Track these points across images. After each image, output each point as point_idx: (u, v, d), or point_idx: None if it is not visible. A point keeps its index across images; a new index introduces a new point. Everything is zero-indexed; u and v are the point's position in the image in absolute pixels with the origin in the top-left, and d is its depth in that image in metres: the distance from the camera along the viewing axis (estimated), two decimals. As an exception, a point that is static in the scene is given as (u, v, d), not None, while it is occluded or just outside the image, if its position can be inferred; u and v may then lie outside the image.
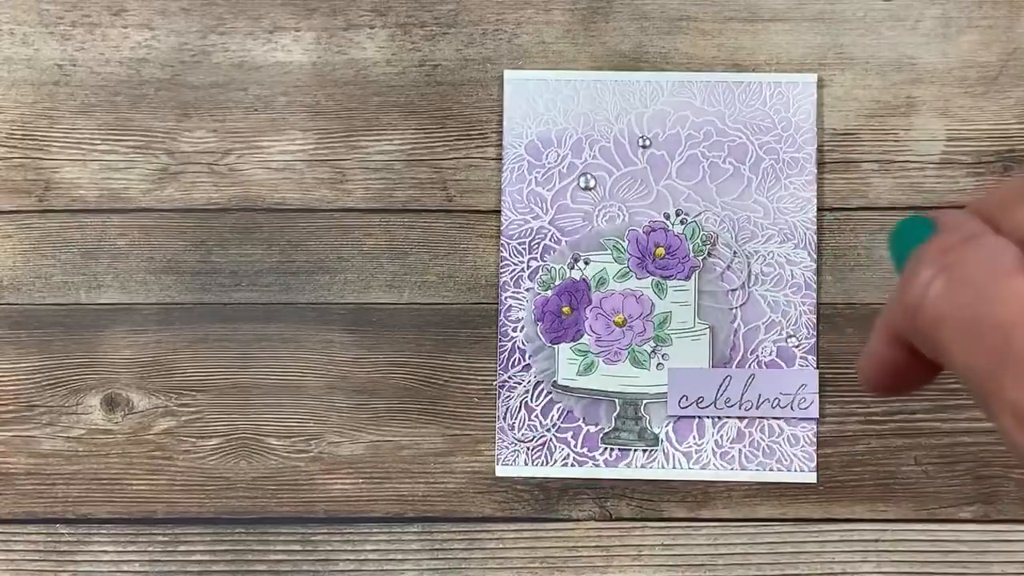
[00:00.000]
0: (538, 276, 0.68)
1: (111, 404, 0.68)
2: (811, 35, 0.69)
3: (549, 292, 0.68)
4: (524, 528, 0.67)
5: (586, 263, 0.68)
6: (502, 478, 0.68)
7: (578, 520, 0.68)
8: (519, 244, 0.68)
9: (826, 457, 0.67)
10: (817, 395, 0.67)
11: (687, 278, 0.68)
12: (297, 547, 0.68)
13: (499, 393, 0.68)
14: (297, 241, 0.69)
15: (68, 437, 0.68)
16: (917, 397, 0.68)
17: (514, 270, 0.68)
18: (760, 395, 0.67)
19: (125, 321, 0.69)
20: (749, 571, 0.67)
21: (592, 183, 0.69)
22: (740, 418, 0.67)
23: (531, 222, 0.69)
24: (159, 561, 0.68)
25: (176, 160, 0.70)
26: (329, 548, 0.68)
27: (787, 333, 0.68)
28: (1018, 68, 0.69)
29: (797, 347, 0.68)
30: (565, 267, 0.68)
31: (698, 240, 0.68)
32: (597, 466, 0.67)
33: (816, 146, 0.68)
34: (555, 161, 0.69)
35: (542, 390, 0.68)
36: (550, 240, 0.69)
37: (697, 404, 0.67)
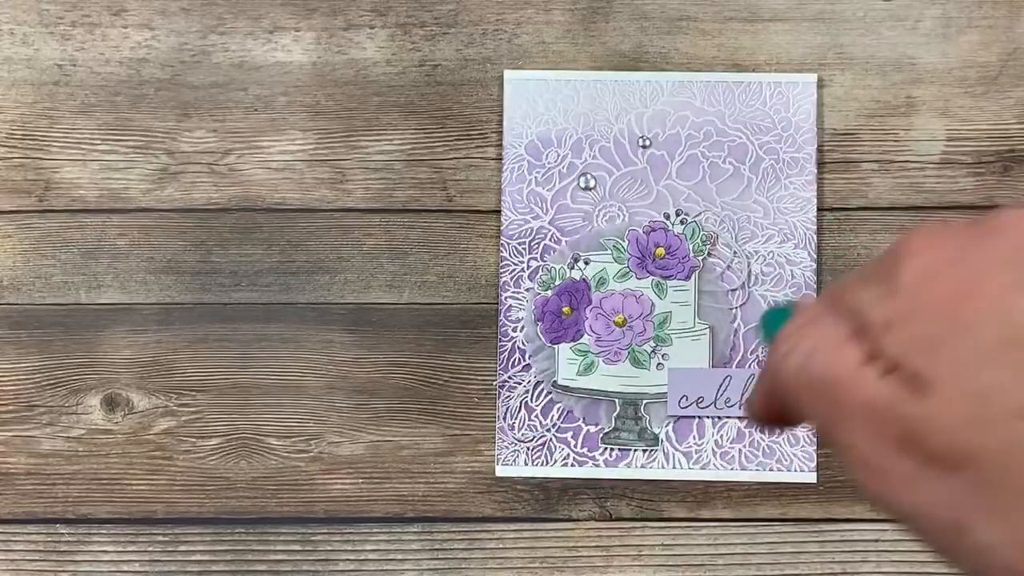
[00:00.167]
0: (538, 276, 0.68)
1: (111, 404, 0.68)
2: (811, 35, 0.69)
3: (549, 292, 0.68)
4: (524, 528, 0.67)
5: (586, 263, 0.68)
6: (502, 478, 0.68)
7: (578, 520, 0.68)
8: (519, 244, 0.68)
9: (826, 457, 0.67)
10: (817, 395, 0.67)
11: (687, 278, 0.68)
12: (297, 547, 0.68)
13: (499, 393, 0.68)
14: (297, 241, 0.69)
15: (68, 437, 0.68)
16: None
17: (514, 270, 0.68)
18: (760, 395, 0.67)
19: (125, 321, 0.69)
20: (749, 571, 0.67)
21: (592, 183, 0.69)
22: (740, 418, 0.67)
23: (531, 222, 0.69)
24: (159, 561, 0.68)
25: (176, 160, 0.70)
26: (329, 548, 0.68)
27: (787, 333, 0.68)
28: (1018, 68, 0.69)
29: (797, 347, 0.67)
30: (565, 267, 0.68)
31: (698, 240, 0.68)
32: (597, 466, 0.67)
33: (816, 146, 0.68)
34: (555, 161, 0.69)
35: (542, 390, 0.68)
36: (550, 240, 0.69)
37: (697, 404, 0.67)
